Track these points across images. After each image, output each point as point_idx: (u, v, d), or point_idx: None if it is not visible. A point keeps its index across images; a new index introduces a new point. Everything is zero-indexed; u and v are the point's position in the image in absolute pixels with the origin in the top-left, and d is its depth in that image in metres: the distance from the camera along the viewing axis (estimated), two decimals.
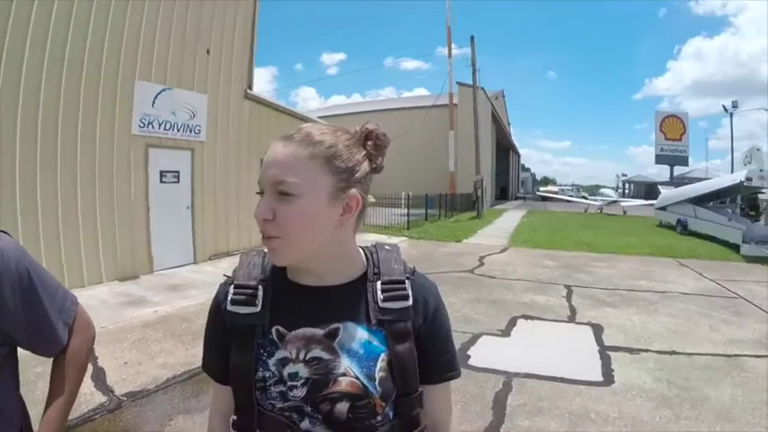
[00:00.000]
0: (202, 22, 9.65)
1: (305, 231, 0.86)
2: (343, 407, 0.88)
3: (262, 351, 0.91)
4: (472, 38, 25.23)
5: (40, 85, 6.89)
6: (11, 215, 6.57)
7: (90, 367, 4.39)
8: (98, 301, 6.61)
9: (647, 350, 5.08)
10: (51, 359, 1.24)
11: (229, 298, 0.95)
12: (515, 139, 63.73)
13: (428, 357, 0.97)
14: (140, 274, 8.40)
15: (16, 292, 1.10)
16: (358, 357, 0.90)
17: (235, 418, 0.96)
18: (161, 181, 8.97)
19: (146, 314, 6.15)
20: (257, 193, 0.90)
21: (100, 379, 4.21)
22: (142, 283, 7.87)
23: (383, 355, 0.91)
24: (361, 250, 1.02)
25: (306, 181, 0.85)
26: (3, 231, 1.15)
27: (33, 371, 3.10)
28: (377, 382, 0.90)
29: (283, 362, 0.90)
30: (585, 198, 44.11)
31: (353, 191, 0.90)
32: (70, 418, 3.39)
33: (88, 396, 3.87)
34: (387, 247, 1.05)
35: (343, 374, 0.89)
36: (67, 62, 7.22)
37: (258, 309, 0.93)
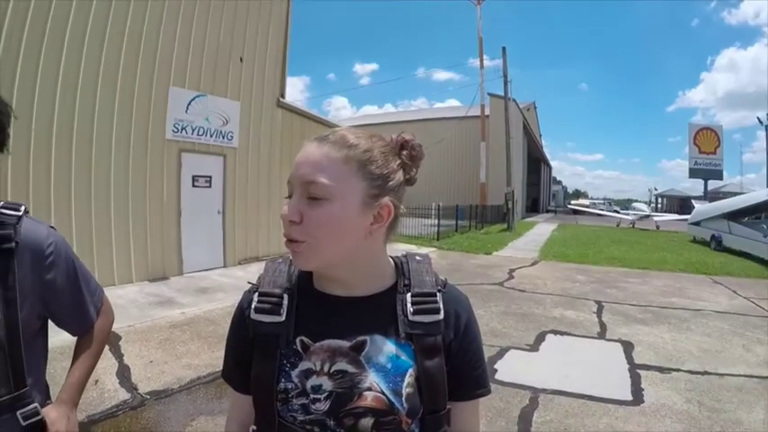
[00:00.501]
0: (236, 31, 9.84)
1: (332, 238, 0.83)
2: (367, 422, 0.84)
3: (285, 362, 0.88)
4: (504, 49, 25.10)
5: (76, 89, 7.12)
6: (44, 214, 6.74)
7: (116, 364, 4.48)
8: (127, 300, 6.74)
9: (678, 369, 4.88)
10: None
11: (253, 306, 0.93)
12: (547, 152, 63.12)
13: (458, 373, 0.92)
14: (170, 275, 8.55)
15: (65, 279, 1.30)
16: (385, 372, 0.86)
17: (254, 428, 0.94)
18: (193, 185, 9.13)
19: (173, 315, 6.22)
20: (286, 197, 0.87)
21: (125, 376, 4.24)
22: (171, 285, 7.98)
23: (411, 371, 0.87)
24: (391, 260, 0.98)
25: (338, 184, 0.82)
26: (51, 227, 1.30)
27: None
28: (403, 398, 0.85)
29: (307, 374, 0.87)
30: (617, 212, 43.24)
31: (386, 199, 0.86)
32: (93, 412, 3.48)
33: (112, 392, 3.91)
34: (418, 257, 1.01)
35: (369, 389, 0.85)
36: (103, 67, 7.45)
37: (282, 318, 0.90)
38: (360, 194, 0.84)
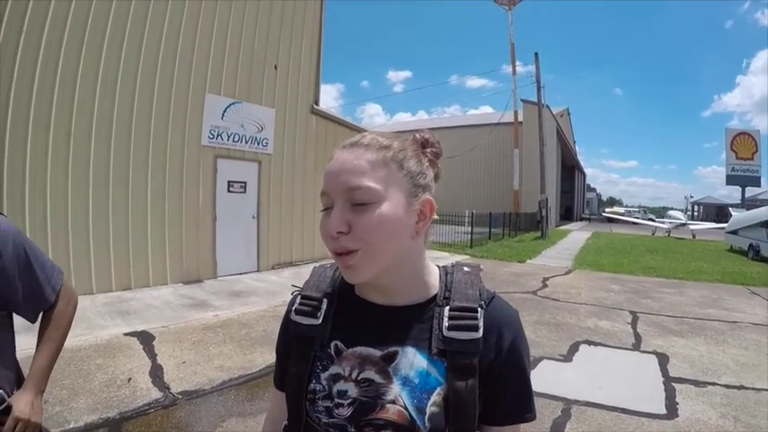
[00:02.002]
0: (270, 39, 10.01)
1: (386, 240, 0.81)
2: None
3: (318, 363, 0.89)
4: (536, 54, 24.73)
5: (114, 95, 7.34)
6: (83, 216, 7.02)
7: (149, 363, 4.54)
8: (162, 302, 6.86)
9: (713, 383, 4.69)
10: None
11: (294, 307, 0.95)
12: (581, 159, 62.14)
13: (499, 396, 0.86)
14: (204, 278, 8.70)
15: (15, 265, 1.33)
16: (411, 386, 0.83)
17: (286, 423, 0.95)
18: (228, 190, 9.28)
19: (207, 317, 6.29)
20: (322, 210, 0.85)
21: (157, 376, 4.30)
22: (205, 288, 8.09)
23: (439, 389, 0.82)
24: (436, 269, 0.95)
25: (383, 185, 0.81)
26: (1, 214, 1.36)
27: None
28: (426, 417, 0.81)
29: (335, 378, 0.86)
30: (653, 220, 42.15)
31: (426, 195, 0.86)
32: (125, 409, 3.53)
33: (145, 391, 3.96)
34: (466, 268, 0.96)
35: (392, 402, 0.82)
36: (140, 74, 7.67)
37: (319, 321, 0.91)
38: (403, 193, 0.83)
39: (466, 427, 0.83)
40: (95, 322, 5.73)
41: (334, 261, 0.91)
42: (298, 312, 0.93)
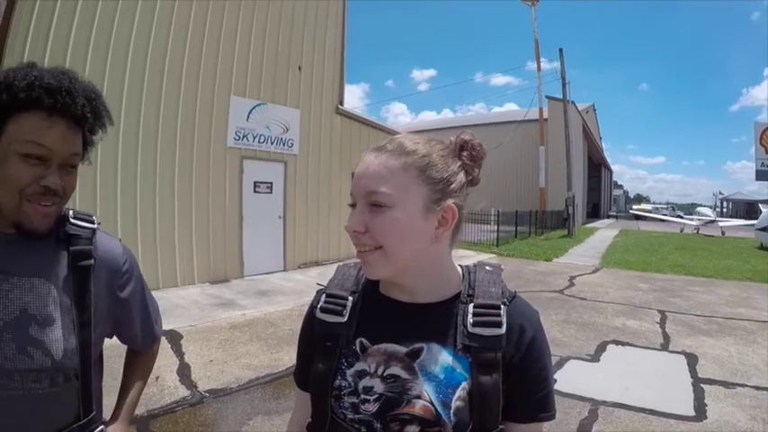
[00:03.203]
0: (293, 40, 10.08)
1: (399, 243, 0.84)
2: (412, 430, 0.83)
3: (343, 360, 0.90)
4: (561, 50, 24.29)
5: (140, 98, 7.49)
6: (111, 216, 7.14)
7: (176, 362, 4.61)
8: (189, 302, 6.98)
9: (743, 385, 4.56)
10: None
11: (320, 305, 0.96)
12: (607, 155, 61.20)
13: (519, 393, 0.87)
14: (231, 278, 8.80)
15: (137, 296, 1.25)
16: (437, 382, 0.85)
17: (309, 420, 0.96)
18: (254, 191, 9.38)
19: (234, 316, 6.36)
20: (350, 205, 0.88)
21: (185, 374, 4.36)
22: (232, 287, 8.19)
23: (464, 384, 0.84)
24: (459, 269, 0.97)
25: (399, 191, 0.82)
26: (118, 239, 1.26)
27: None
28: (452, 411, 0.83)
29: (360, 374, 0.88)
30: (681, 217, 41.10)
31: (449, 202, 0.86)
32: (153, 407, 3.60)
33: (172, 389, 4.03)
34: (488, 267, 0.99)
35: (418, 397, 0.84)
36: (166, 77, 7.81)
37: (344, 319, 0.92)
38: (422, 200, 0.84)
39: (490, 421, 0.84)
40: None
41: (358, 260, 0.93)
42: (323, 310, 0.95)
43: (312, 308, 1.00)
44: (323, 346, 0.93)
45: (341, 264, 1.06)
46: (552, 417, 0.91)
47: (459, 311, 0.89)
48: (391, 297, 0.93)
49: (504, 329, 0.86)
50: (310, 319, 0.99)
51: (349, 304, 0.94)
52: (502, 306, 0.89)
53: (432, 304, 0.91)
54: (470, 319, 0.87)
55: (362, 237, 0.83)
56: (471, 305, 0.89)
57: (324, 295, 0.97)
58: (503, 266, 1.02)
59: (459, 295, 0.92)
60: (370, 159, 0.86)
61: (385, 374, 0.86)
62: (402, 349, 0.88)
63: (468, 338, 0.86)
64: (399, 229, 0.82)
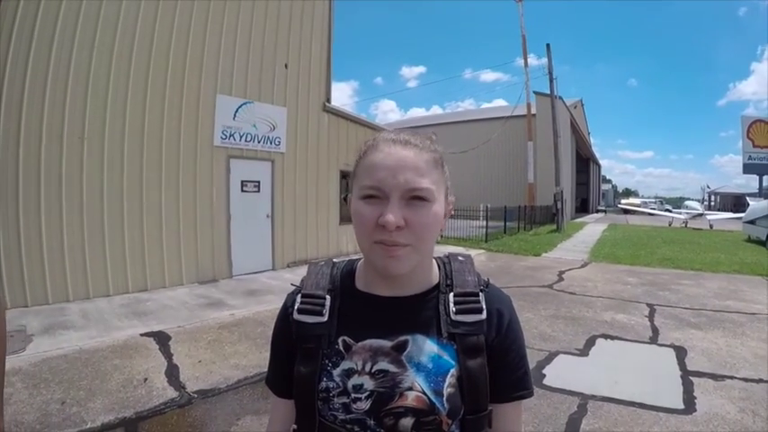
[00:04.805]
0: (279, 38, 10.03)
1: (432, 236, 0.86)
2: (407, 422, 0.85)
3: (327, 361, 0.90)
4: (548, 46, 24.27)
5: (125, 97, 7.44)
6: (98, 219, 7.13)
7: (165, 363, 4.59)
8: (178, 302, 6.93)
9: (732, 377, 4.60)
10: None
11: (296, 307, 0.94)
12: (596, 150, 61.54)
13: (499, 373, 0.92)
14: (220, 277, 8.77)
15: None
16: (426, 371, 0.87)
17: (295, 427, 0.95)
18: (242, 190, 9.34)
19: (222, 316, 6.33)
20: (365, 197, 0.84)
21: (173, 375, 4.33)
22: (221, 287, 8.16)
23: (453, 371, 0.87)
24: (434, 261, 0.98)
25: (436, 186, 0.85)
26: None
27: None
28: (444, 399, 0.85)
29: (348, 373, 0.88)
30: (669, 211, 41.40)
31: (451, 197, 0.92)
32: (141, 409, 3.55)
33: (160, 390, 4.00)
34: (460, 258, 1.01)
35: (410, 389, 0.86)
36: (151, 77, 7.75)
37: (325, 318, 0.91)
38: (443, 194, 0.88)
39: (480, 403, 0.89)
40: (112, 323, 5.81)
41: (329, 259, 0.98)
42: (301, 312, 0.93)
43: (286, 310, 0.98)
44: (303, 348, 0.91)
45: (311, 263, 1.04)
46: (531, 394, 0.96)
47: (440, 301, 0.92)
48: (370, 293, 0.93)
49: (485, 315, 0.91)
50: (285, 322, 0.97)
51: (328, 303, 0.92)
52: (480, 293, 0.93)
53: (412, 296, 0.92)
54: (453, 308, 0.90)
55: (400, 232, 0.81)
56: (451, 294, 0.92)
57: (299, 296, 0.95)
58: (474, 255, 1.05)
59: (437, 286, 0.94)
60: (402, 153, 0.84)
61: (373, 370, 0.87)
62: (387, 343, 0.88)
63: (452, 326, 0.89)
64: (436, 224, 0.85)
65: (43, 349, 4.84)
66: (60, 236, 6.71)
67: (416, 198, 0.82)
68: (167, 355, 4.86)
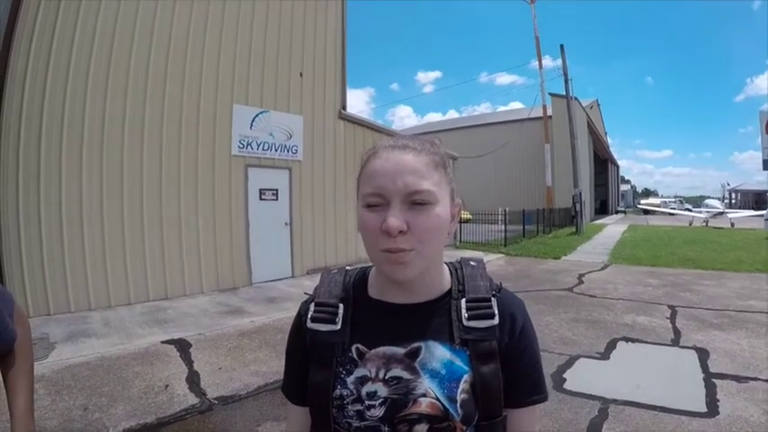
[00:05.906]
0: (294, 47, 10.13)
1: (437, 240, 0.85)
2: (421, 429, 0.84)
3: (341, 369, 0.90)
4: (562, 47, 24.04)
5: (143, 109, 7.57)
6: (118, 227, 7.26)
7: (186, 370, 4.62)
8: (198, 310, 7.01)
9: (756, 378, 4.47)
10: None
11: (310, 315, 0.95)
12: (614, 150, 60.82)
13: (513, 378, 0.91)
14: (239, 285, 8.85)
15: None
16: (440, 378, 0.86)
17: None
18: (260, 198, 9.42)
19: (242, 324, 6.37)
20: (368, 205, 0.84)
21: (194, 382, 4.37)
22: (241, 295, 8.22)
23: (466, 377, 0.87)
24: (446, 266, 0.98)
25: (438, 188, 0.84)
26: None
27: None
28: (458, 405, 0.85)
29: (362, 380, 0.88)
30: (690, 210, 40.65)
31: (458, 199, 0.91)
32: (162, 415, 3.58)
33: (181, 396, 4.03)
34: (472, 262, 1.00)
35: (424, 395, 0.86)
36: (168, 89, 7.88)
37: (338, 326, 0.92)
38: (448, 196, 0.87)
39: (494, 409, 0.88)
40: (133, 331, 5.89)
41: (341, 266, 0.97)
42: (314, 320, 0.93)
43: (300, 318, 0.98)
44: (317, 356, 0.92)
45: (324, 271, 1.04)
46: (545, 398, 0.95)
47: (452, 307, 0.91)
48: (383, 300, 0.93)
49: (497, 320, 0.90)
50: (299, 331, 0.98)
51: (341, 311, 0.93)
52: (492, 298, 0.92)
53: (424, 303, 0.91)
54: (465, 314, 0.89)
55: (400, 238, 0.80)
56: (464, 300, 0.91)
57: (312, 305, 0.96)
58: (492, 261, 1.04)
59: (449, 292, 0.93)
60: (400, 157, 0.83)
61: (387, 377, 0.87)
62: (400, 350, 0.88)
63: (464, 332, 0.88)
64: (439, 227, 0.83)
65: (66, 356, 4.92)
66: (81, 246, 6.84)
67: (418, 202, 0.81)
68: (188, 362, 4.91)
